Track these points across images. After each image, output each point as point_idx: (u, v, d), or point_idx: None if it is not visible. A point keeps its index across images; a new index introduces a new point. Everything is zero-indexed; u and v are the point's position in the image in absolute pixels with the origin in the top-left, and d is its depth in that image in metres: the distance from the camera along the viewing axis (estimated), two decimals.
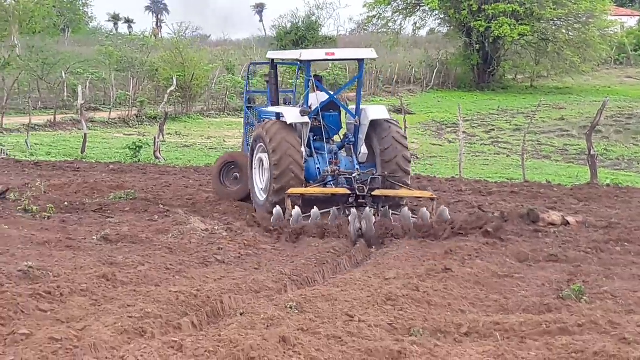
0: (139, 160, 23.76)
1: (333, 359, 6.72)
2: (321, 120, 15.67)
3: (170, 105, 38.75)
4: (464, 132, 25.89)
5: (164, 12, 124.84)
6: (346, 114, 16.12)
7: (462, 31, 61.05)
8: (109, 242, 11.68)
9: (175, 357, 6.44)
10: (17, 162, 22.63)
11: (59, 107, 38.35)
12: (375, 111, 15.71)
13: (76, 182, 17.95)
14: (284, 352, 6.64)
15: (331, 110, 15.98)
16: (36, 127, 32.26)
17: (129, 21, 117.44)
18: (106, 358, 6.32)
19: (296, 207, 13.72)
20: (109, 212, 14.43)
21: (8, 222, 12.57)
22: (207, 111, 44.75)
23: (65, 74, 41.99)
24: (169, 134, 32.04)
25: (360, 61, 16.15)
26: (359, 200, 13.98)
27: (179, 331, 7.56)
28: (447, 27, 67.65)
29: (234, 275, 9.92)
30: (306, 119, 15.23)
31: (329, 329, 7.47)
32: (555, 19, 60.42)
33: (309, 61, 15.87)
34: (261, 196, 15.20)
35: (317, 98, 15.71)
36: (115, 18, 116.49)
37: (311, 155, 15.43)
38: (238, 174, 16.56)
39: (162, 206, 14.94)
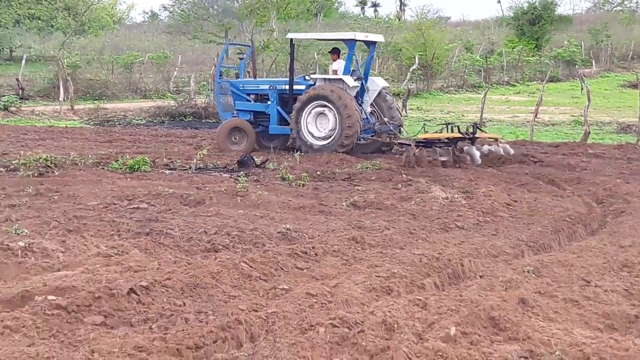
0: None
1: (570, 321, 6.55)
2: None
3: (413, 82, 38.89)
4: None
5: None
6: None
7: None
8: (357, 207, 11.86)
9: (420, 314, 6.47)
10: None
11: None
12: (382, 81, 20.10)
13: (326, 153, 18.37)
14: (523, 313, 6.53)
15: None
16: None
17: (375, 5, 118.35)
18: (357, 313, 6.42)
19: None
20: (356, 180, 14.64)
21: (268, 189, 13.00)
22: (447, 87, 44.60)
23: (316, 54, 43.00)
24: (411, 109, 32.16)
25: (373, 43, 19.95)
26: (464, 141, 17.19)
27: (423, 290, 7.60)
28: None
29: (473, 241, 9.85)
30: (358, 84, 18.92)
31: (566, 293, 7.28)
32: None
33: (356, 40, 19.04)
34: (318, 142, 18.54)
35: (339, 68, 19.52)
36: (362, 2, 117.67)
37: None
38: (237, 137, 19.32)
39: (405, 175, 14.99)
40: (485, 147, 17.27)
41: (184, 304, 6.67)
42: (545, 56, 54.29)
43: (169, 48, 49.97)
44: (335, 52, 20.40)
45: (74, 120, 27.55)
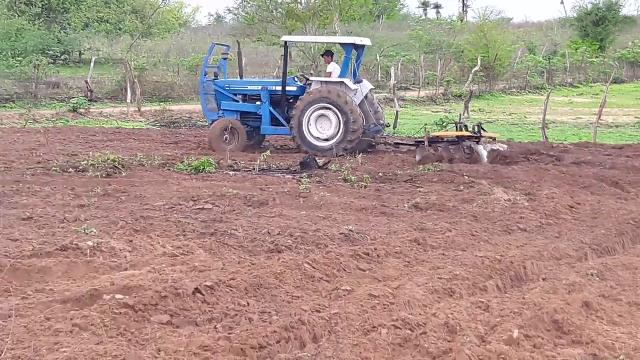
0: None
1: (635, 325, 6.45)
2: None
3: (475, 84, 38.65)
4: None
5: None
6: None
7: None
8: (419, 209, 11.80)
9: (482, 316, 6.43)
10: None
11: (374, 86, 39.31)
12: (368, 83, 20.38)
13: (388, 155, 18.35)
14: (587, 316, 6.45)
15: None
16: None
17: (437, 7, 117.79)
18: (419, 314, 6.40)
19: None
20: (418, 182, 14.56)
21: (330, 190, 13.01)
22: (509, 89, 44.28)
23: (379, 56, 42.99)
24: (472, 110, 31.92)
25: (362, 46, 20.46)
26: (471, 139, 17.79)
27: (485, 293, 7.55)
28: None
29: (536, 243, 9.73)
30: (357, 86, 19.24)
31: (630, 296, 7.17)
32: None
33: (352, 44, 19.92)
34: (320, 143, 18.91)
35: (337, 70, 20.14)
36: (424, 4, 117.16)
37: None
38: (228, 136, 19.13)
39: (466, 177, 14.86)
40: (489, 146, 17.87)
41: (248, 303, 6.71)
42: (609, 57, 53.54)
43: (234, 50, 50.30)
44: (329, 55, 20.93)
45: (141, 121, 27.89)
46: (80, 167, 14.69)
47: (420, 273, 7.98)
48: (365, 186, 13.74)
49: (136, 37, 48.46)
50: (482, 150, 17.50)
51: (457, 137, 17.98)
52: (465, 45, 46.31)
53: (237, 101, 20.03)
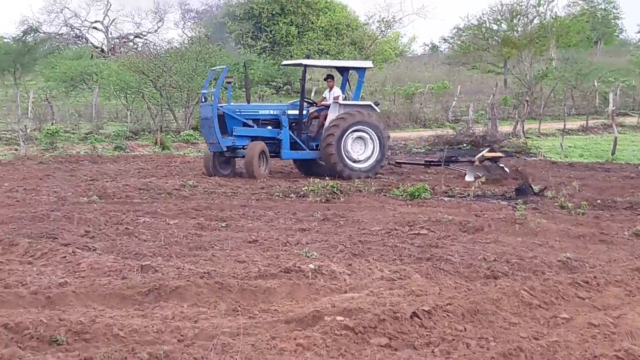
0: None
1: None
2: None
3: None
4: None
5: None
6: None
7: None
8: None
9: None
10: (553, 163, 22.91)
11: (590, 112, 38.27)
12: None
13: (604, 180, 17.76)
14: None
15: None
16: (569, 132, 32.39)
17: None
18: None
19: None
20: (639, 209, 13.98)
21: (546, 217, 12.68)
22: None
23: (597, 82, 41.74)
24: None
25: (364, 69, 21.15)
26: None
27: None
28: None
29: None
30: (378, 109, 20.19)
31: None
32: None
33: (365, 68, 21.18)
34: (358, 165, 19.10)
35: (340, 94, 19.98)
36: None
37: None
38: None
39: None
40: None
41: (465, 329, 6.64)
42: None
43: (448, 78, 50.25)
44: (332, 78, 20.35)
45: None
46: (301, 193, 15.14)
47: None
48: (583, 213, 13.29)
49: None
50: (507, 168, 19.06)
51: (490, 158, 19.18)
52: None
53: (252, 126, 19.34)
